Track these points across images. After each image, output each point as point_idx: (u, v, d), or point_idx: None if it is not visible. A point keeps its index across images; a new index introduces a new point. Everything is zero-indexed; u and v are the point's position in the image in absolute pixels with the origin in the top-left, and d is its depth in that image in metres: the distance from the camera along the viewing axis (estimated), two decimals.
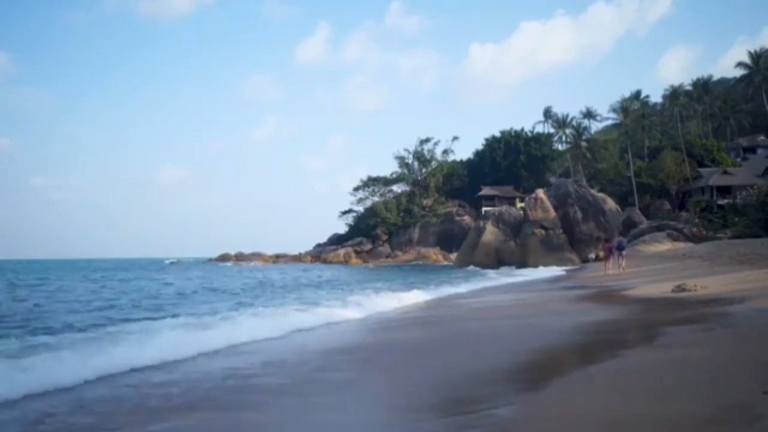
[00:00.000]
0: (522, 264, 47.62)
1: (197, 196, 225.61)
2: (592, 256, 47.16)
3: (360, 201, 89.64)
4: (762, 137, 73.79)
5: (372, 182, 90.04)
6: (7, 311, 16.38)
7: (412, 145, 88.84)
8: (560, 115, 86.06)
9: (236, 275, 44.02)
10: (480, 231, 54.73)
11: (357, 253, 78.64)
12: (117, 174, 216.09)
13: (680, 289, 13.07)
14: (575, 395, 5.19)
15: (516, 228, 53.24)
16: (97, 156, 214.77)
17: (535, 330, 9.96)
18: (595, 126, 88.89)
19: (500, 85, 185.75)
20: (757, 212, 39.11)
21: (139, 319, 13.83)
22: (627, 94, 79.75)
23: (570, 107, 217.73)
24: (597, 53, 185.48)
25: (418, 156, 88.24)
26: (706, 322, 8.30)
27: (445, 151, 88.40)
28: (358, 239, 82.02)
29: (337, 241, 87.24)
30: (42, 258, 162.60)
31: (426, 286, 24.10)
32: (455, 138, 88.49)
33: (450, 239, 75.76)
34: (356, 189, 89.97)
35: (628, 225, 55.83)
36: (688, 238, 46.02)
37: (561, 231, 50.77)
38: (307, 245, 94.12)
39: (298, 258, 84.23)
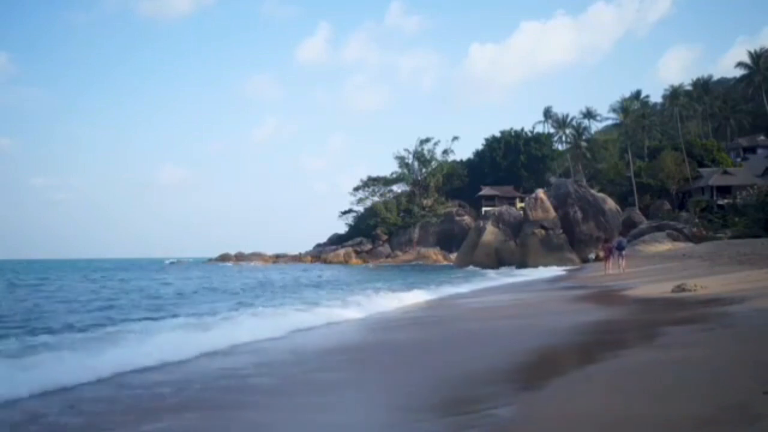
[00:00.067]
0: (522, 264, 47.62)
1: (197, 196, 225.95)
2: (592, 256, 47.16)
3: (360, 201, 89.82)
4: (762, 137, 73.79)
5: (372, 182, 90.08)
6: (6, 311, 16.37)
7: (412, 145, 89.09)
8: (560, 115, 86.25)
9: (236, 275, 44.02)
10: (480, 231, 54.73)
11: (357, 253, 78.66)
12: (117, 174, 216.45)
13: (680, 289, 13.07)
14: (575, 395, 5.19)
15: (516, 228, 53.24)
16: (97, 156, 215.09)
17: (534, 330, 9.96)
18: (595, 126, 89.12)
19: (500, 85, 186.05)
20: (757, 212, 39.11)
21: (138, 320, 13.83)
22: (627, 94, 79.98)
23: (570, 107, 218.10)
24: (597, 53, 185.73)
25: (418, 156, 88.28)
26: (706, 322, 8.30)
27: (445, 151, 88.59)
28: (358, 239, 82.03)
29: (337, 241, 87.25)
30: (42, 258, 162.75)
31: (426, 286, 24.10)
32: (455, 138, 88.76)
33: (450, 239, 75.77)
34: (356, 189, 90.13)
35: (628, 225, 55.83)
36: (688, 238, 46.02)
37: (561, 231, 50.77)
38: (307, 245, 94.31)
39: (298, 258, 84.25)
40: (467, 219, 77.86)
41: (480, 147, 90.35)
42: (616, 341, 7.90)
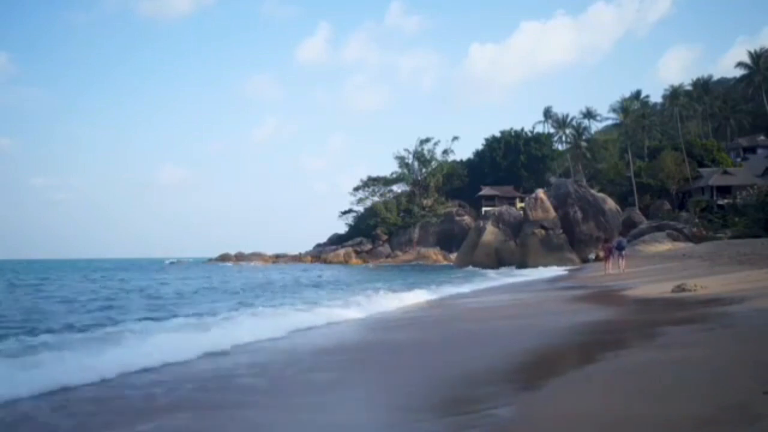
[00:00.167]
0: (522, 264, 47.60)
1: (197, 196, 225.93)
2: (592, 256, 47.16)
3: (360, 201, 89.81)
4: (762, 137, 73.80)
5: (372, 182, 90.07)
6: (6, 311, 16.37)
7: (412, 145, 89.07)
8: (560, 115, 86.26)
9: (236, 275, 44.01)
10: (480, 231, 54.73)
11: (357, 253, 78.66)
12: (117, 174, 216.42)
13: (680, 289, 13.07)
14: (575, 395, 5.19)
15: (516, 228, 53.24)
16: (97, 156, 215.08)
17: (534, 330, 9.96)
18: (595, 126, 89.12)
19: (500, 85, 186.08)
20: (757, 212, 39.11)
21: (138, 320, 13.81)
22: (627, 94, 80.00)
23: (570, 107, 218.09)
24: (597, 53, 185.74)
25: (418, 156, 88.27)
26: (706, 322, 8.30)
27: (445, 151, 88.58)
28: (358, 239, 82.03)
29: (337, 241, 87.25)
30: (42, 258, 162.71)
31: (426, 286, 24.08)
32: (455, 138, 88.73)
33: (450, 239, 75.77)
34: (356, 189, 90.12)
35: (628, 225, 55.83)
36: (688, 238, 46.02)
37: (561, 231, 50.77)
38: (307, 245, 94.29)
39: (298, 258, 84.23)
40: (467, 219, 77.86)
41: (480, 147, 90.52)
42: (615, 341, 7.89)
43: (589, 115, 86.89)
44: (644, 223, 55.11)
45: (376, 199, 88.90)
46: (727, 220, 48.07)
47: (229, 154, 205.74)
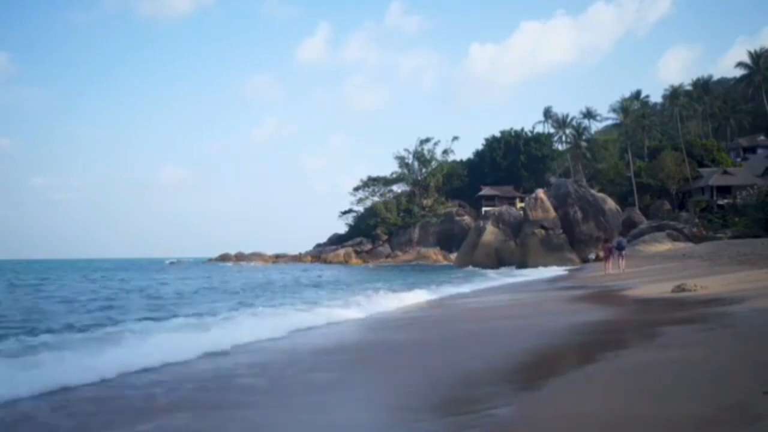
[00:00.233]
0: (522, 264, 47.60)
1: (197, 196, 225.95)
2: (592, 256, 47.15)
3: (360, 201, 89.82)
4: (762, 137, 73.80)
5: (372, 182, 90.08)
6: (6, 311, 16.37)
7: (412, 145, 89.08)
8: (560, 115, 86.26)
9: (236, 275, 44.01)
10: (480, 231, 54.74)
11: (357, 253, 78.67)
12: (117, 174, 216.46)
13: (680, 289, 13.07)
14: (575, 395, 5.19)
15: (516, 228, 53.24)
16: (97, 156, 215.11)
17: (534, 330, 9.96)
18: (595, 126, 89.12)
19: (500, 85, 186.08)
20: (757, 212, 39.11)
21: (138, 320, 13.81)
22: (627, 94, 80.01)
23: (570, 107, 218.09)
24: (597, 53, 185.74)
25: (418, 156, 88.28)
26: (706, 322, 8.30)
27: (445, 151, 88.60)
28: (358, 239, 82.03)
29: (337, 241, 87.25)
30: (42, 258, 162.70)
31: (426, 286, 24.08)
32: (455, 138, 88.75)
33: (450, 239, 75.78)
34: (356, 189, 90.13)
35: (628, 225, 55.83)
36: (688, 238, 46.01)
37: (561, 231, 50.77)
38: (307, 245, 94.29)
39: (298, 258, 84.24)
40: (467, 219, 77.87)
41: (480, 147, 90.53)
42: (615, 341, 7.89)
43: (589, 115, 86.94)
44: (644, 223, 55.11)
45: (376, 199, 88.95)
46: (727, 220, 48.07)
47: (229, 154, 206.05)
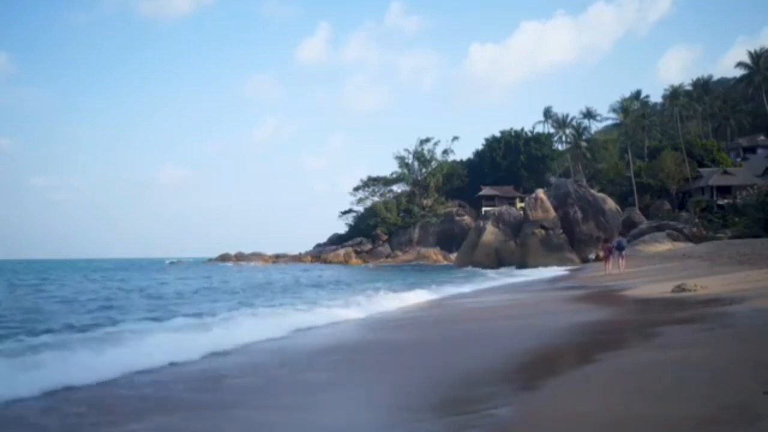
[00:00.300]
0: (522, 264, 47.59)
1: (197, 196, 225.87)
2: (592, 256, 47.14)
3: (360, 201, 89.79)
4: (762, 137, 73.80)
5: (372, 182, 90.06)
6: (6, 311, 16.36)
7: (412, 145, 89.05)
8: (560, 115, 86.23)
9: (236, 275, 44.00)
10: (480, 231, 54.73)
11: (357, 253, 78.65)
12: (117, 174, 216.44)
13: (680, 289, 13.06)
14: (575, 395, 5.19)
15: (516, 228, 53.24)
16: (97, 156, 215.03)
17: (534, 330, 9.96)
18: (595, 126, 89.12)
19: (500, 85, 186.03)
20: (757, 212, 39.11)
21: (138, 320, 13.81)
22: (627, 94, 79.99)
23: (570, 107, 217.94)
24: (597, 53, 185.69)
25: (418, 156, 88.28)
26: (706, 322, 8.29)
27: (445, 151, 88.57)
28: (358, 239, 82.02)
29: (337, 241, 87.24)
30: (42, 258, 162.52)
31: (426, 286, 24.09)
32: (455, 138, 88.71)
33: (450, 239, 75.78)
34: (356, 189, 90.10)
35: (628, 225, 55.83)
36: (688, 238, 46.01)
37: (561, 231, 50.76)
38: (307, 245, 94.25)
39: (298, 258, 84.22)
40: (467, 219, 77.86)
41: (480, 147, 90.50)
42: (615, 341, 7.89)
43: (589, 115, 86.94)
44: (644, 223, 55.11)
45: (376, 199, 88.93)
46: (727, 220, 48.07)
47: (229, 154, 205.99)
